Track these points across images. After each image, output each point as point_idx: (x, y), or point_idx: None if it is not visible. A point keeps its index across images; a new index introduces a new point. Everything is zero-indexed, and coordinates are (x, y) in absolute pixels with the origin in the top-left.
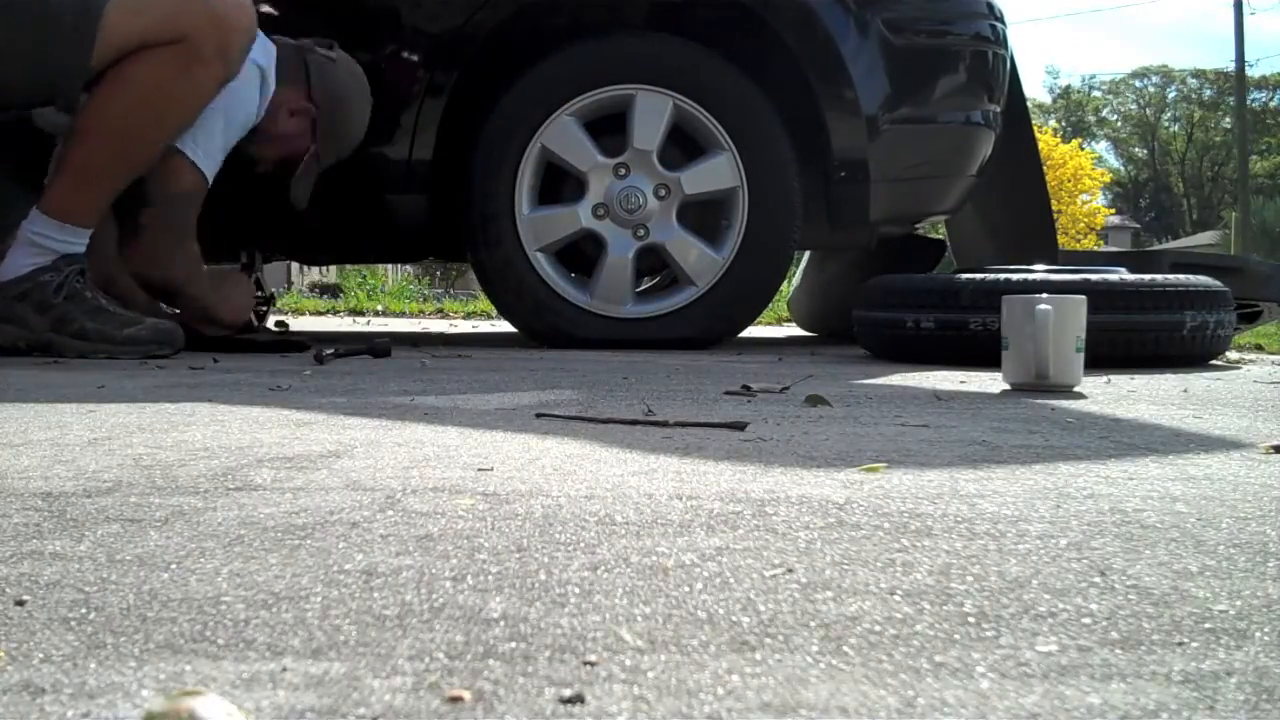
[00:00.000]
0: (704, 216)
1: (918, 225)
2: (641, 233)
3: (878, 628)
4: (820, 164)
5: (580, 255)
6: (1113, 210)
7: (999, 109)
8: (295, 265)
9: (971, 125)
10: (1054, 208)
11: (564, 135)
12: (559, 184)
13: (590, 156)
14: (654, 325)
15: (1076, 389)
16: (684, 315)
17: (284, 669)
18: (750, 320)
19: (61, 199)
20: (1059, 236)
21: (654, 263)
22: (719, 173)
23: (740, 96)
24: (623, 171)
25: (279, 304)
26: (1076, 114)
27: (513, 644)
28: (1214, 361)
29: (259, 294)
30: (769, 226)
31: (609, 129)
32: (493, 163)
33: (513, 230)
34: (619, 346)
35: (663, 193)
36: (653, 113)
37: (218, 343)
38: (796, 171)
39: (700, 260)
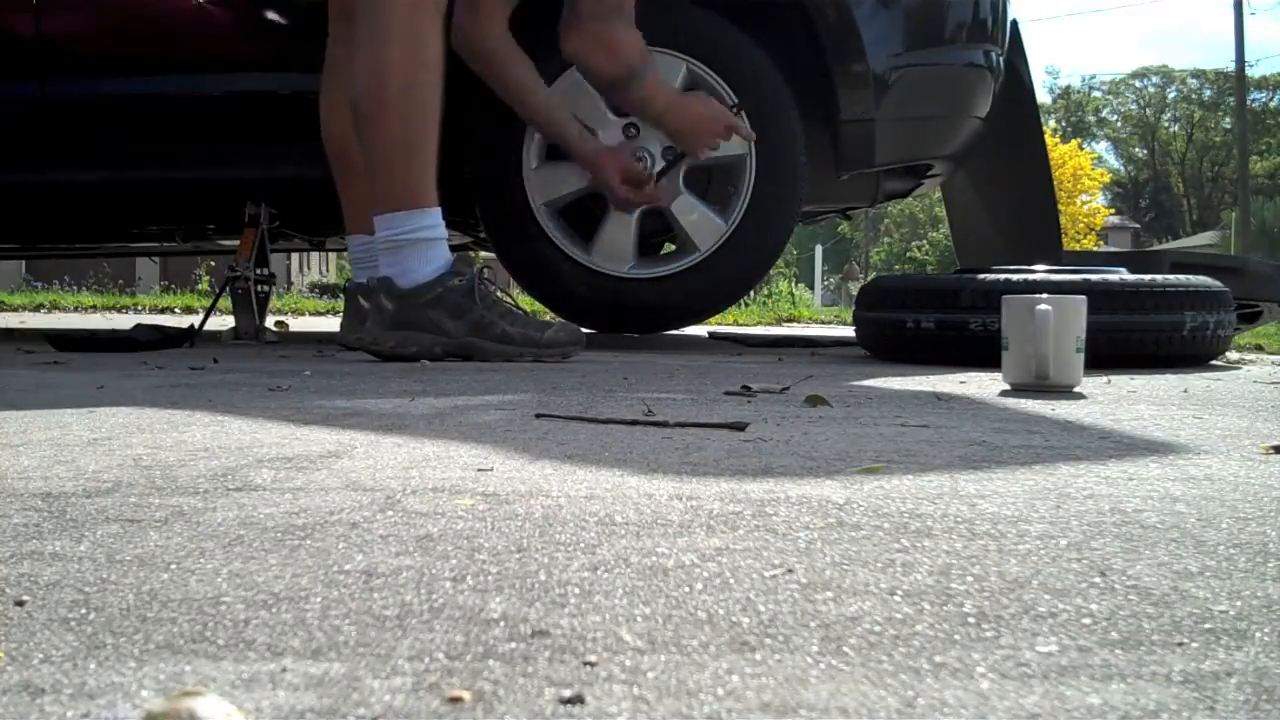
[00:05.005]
0: (710, 183)
1: (922, 180)
2: None
3: (878, 628)
4: (827, 109)
5: (588, 219)
6: (1113, 210)
7: (1000, 51)
8: (295, 265)
9: (973, 67)
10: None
11: (575, 92)
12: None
13: (600, 114)
14: (653, 288)
15: (1076, 389)
16: (683, 279)
17: (284, 669)
18: (747, 289)
19: (401, 189)
20: None
21: (657, 227)
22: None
23: (753, 65)
24: (632, 131)
25: (279, 304)
26: (1076, 114)
27: (513, 644)
28: (1214, 361)
29: (262, 270)
30: (773, 196)
31: None
32: (503, 115)
33: (519, 183)
34: (619, 313)
35: (670, 155)
36: (665, 75)
37: (81, 343)
38: (804, 145)
39: (704, 225)
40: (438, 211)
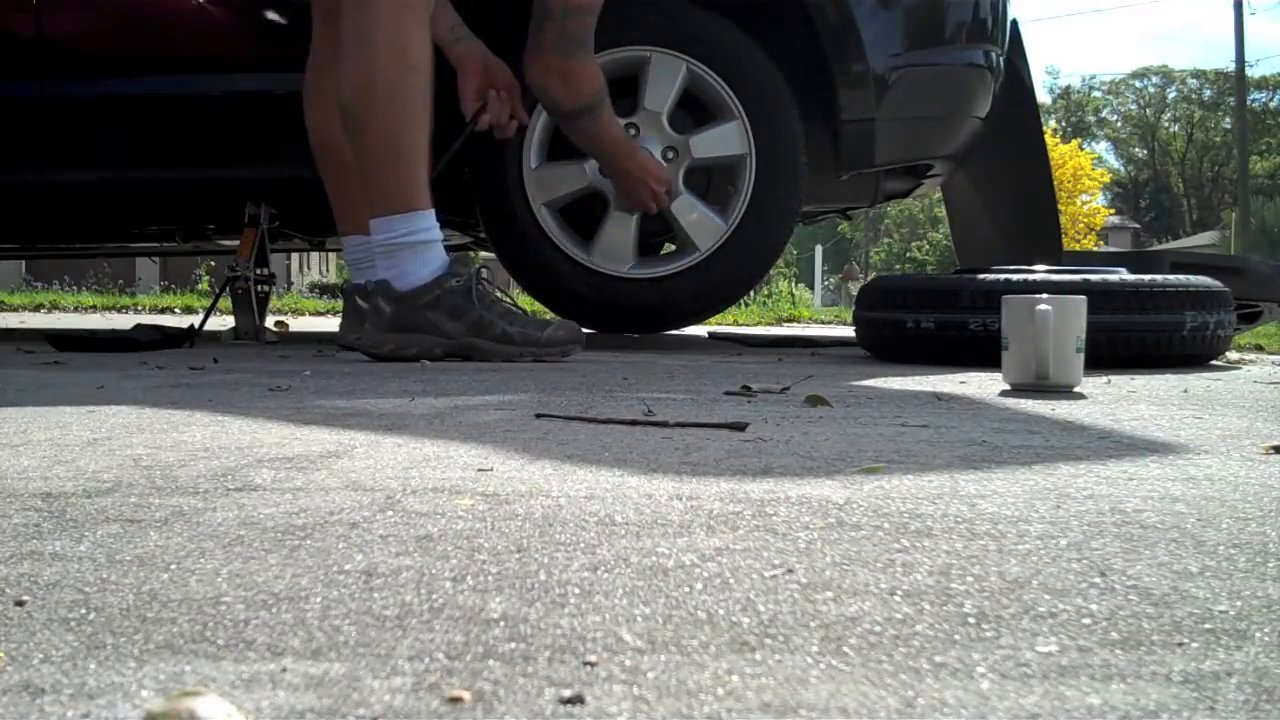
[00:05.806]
0: (710, 183)
1: (922, 180)
2: None
3: (878, 628)
4: (827, 109)
5: (588, 219)
6: (1113, 210)
7: (1000, 51)
8: (295, 265)
9: (973, 67)
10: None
11: None
12: (568, 140)
13: None
14: (653, 288)
15: (1076, 389)
16: (683, 279)
17: (284, 669)
18: (747, 289)
19: (396, 191)
20: None
21: (657, 227)
22: (728, 139)
23: (754, 66)
24: (632, 132)
25: (279, 304)
26: (1076, 114)
27: (513, 644)
28: (1214, 361)
29: (262, 270)
30: (773, 196)
31: (620, 92)
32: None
33: (519, 182)
34: (618, 313)
35: (670, 155)
36: (665, 75)
37: (82, 343)
38: (804, 145)
39: (704, 225)
40: (432, 213)
